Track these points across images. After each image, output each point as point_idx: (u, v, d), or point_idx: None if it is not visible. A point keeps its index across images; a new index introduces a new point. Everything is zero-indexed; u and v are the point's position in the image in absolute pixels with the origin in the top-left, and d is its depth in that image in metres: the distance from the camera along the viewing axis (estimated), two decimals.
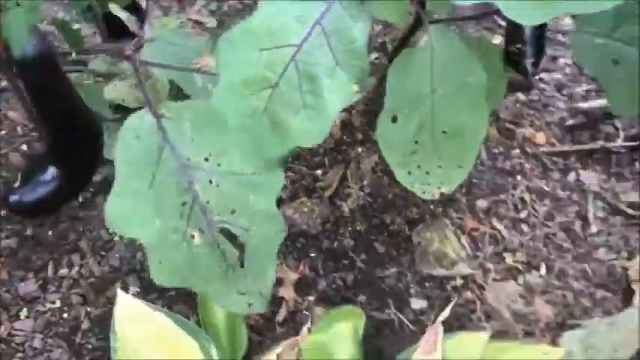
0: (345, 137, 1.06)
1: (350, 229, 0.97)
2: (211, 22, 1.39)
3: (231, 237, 0.54)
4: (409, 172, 0.67)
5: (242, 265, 0.55)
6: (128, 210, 0.53)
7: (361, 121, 1.08)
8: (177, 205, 0.54)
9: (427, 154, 0.66)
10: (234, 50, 0.55)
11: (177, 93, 0.71)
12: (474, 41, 0.82)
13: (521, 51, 0.72)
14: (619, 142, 1.05)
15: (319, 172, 1.03)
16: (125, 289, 0.87)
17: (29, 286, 0.87)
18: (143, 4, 0.89)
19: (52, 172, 0.67)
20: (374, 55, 1.22)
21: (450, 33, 0.64)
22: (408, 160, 0.66)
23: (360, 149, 1.05)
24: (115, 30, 0.83)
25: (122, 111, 0.80)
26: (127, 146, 0.54)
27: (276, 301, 0.87)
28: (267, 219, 0.56)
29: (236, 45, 0.55)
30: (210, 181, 0.54)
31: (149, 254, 0.53)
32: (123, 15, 0.61)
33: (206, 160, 0.54)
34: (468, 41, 0.69)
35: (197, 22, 1.39)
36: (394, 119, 0.65)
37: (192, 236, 0.54)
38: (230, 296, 0.56)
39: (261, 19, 0.54)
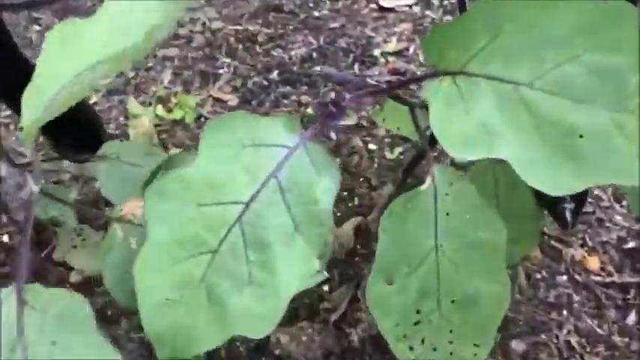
0: (358, 248, 0.92)
1: None
2: (233, 100, 1.30)
3: None
4: (410, 348, 0.52)
5: None
6: None
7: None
8: None
9: (433, 326, 0.51)
10: (166, 203, 0.42)
11: None
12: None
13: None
14: None
15: (325, 288, 0.89)
16: None
17: None
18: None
19: None
20: (398, 150, 1.09)
21: (460, 175, 0.49)
22: (409, 332, 0.51)
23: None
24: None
25: None
26: None
27: None
28: None
29: (169, 197, 0.42)
30: None
31: None
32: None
33: None
34: (484, 176, 0.55)
35: (217, 100, 1.31)
36: (389, 280, 0.51)
37: None
38: None
39: (201, 168, 0.42)
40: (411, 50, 1.46)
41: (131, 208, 0.54)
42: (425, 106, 0.59)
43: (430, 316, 0.51)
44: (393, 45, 1.46)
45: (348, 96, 0.45)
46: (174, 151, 1.13)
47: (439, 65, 0.45)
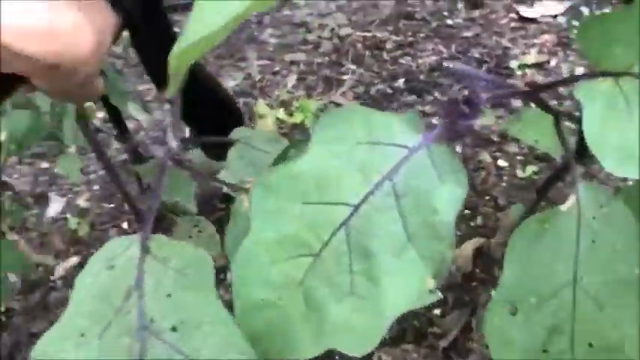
0: (477, 272, 0.84)
1: None
2: None
3: None
4: None
5: None
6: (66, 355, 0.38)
7: (502, 253, 0.85)
8: None
9: None
10: (271, 198, 0.39)
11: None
12: None
13: None
14: None
15: (437, 312, 0.82)
16: None
17: None
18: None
19: None
20: (531, 169, 0.99)
21: (613, 196, 0.41)
22: None
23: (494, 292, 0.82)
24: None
25: None
26: (94, 273, 0.40)
27: None
28: None
29: (275, 192, 0.39)
30: None
31: None
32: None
33: (173, 330, 0.37)
34: None
35: (338, 105, 1.28)
36: (512, 310, 0.44)
37: None
38: None
39: (311, 162, 0.38)
40: (553, 63, 1.34)
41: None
42: (571, 116, 0.51)
43: (562, 357, 0.43)
44: (532, 57, 1.35)
45: (484, 96, 0.39)
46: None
47: (599, 64, 0.38)
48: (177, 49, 0.35)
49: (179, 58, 0.35)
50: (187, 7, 1.60)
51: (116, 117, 0.70)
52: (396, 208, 0.37)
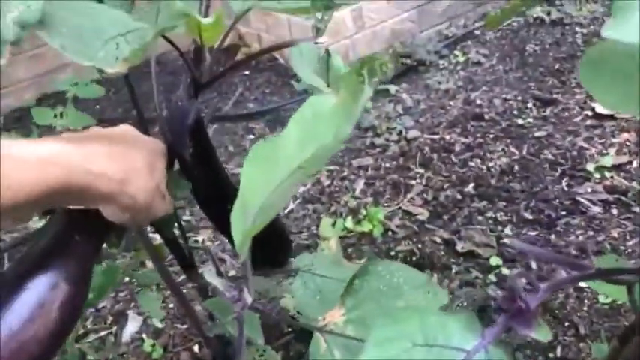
0: None
1: None
2: (423, 215, 1.26)
3: None
4: None
5: None
6: None
7: None
8: None
9: None
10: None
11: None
12: None
13: None
14: None
15: None
16: None
17: None
18: None
19: None
20: None
21: None
22: None
23: None
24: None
25: None
26: None
27: None
28: None
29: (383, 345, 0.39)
30: None
31: None
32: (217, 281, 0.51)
33: None
34: None
35: (407, 213, 1.27)
36: None
37: None
38: None
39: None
40: (635, 164, 1.27)
41: (333, 317, 0.54)
42: None
43: None
44: (610, 158, 1.29)
45: (542, 287, 0.37)
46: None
47: None
48: (237, 232, 0.37)
49: (243, 236, 0.37)
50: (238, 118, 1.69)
51: (176, 250, 0.73)
52: None
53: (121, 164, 0.42)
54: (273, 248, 0.79)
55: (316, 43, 0.59)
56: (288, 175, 0.36)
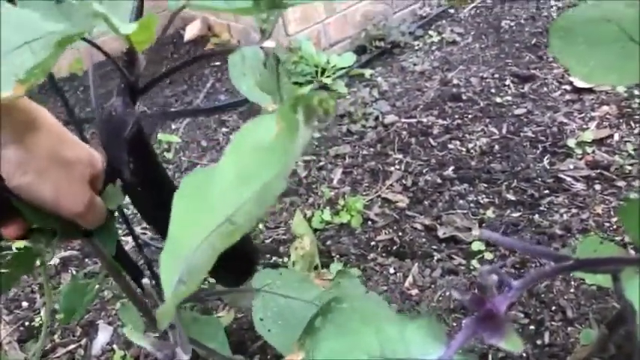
0: None
1: None
2: (403, 201, 1.21)
3: None
4: None
5: None
6: None
7: None
8: None
9: None
10: None
11: None
12: None
13: None
14: None
15: None
16: None
17: None
18: None
19: None
20: None
21: None
22: None
23: None
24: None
25: None
26: None
27: None
28: None
29: None
30: None
31: None
32: (145, 342, 0.45)
33: None
34: None
35: (386, 201, 1.23)
36: None
37: None
38: None
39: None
40: (616, 138, 1.24)
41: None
42: None
43: None
44: (591, 132, 1.25)
45: (515, 285, 0.33)
46: (337, 264, 1.07)
47: None
48: (168, 278, 0.31)
49: (171, 299, 0.31)
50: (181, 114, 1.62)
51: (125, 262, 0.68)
52: None
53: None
54: (237, 263, 0.73)
55: (262, 48, 0.52)
56: (218, 227, 0.30)
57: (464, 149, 1.32)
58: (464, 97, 1.48)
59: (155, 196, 0.51)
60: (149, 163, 0.50)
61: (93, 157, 0.45)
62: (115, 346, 0.96)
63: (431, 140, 1.37)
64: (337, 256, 1.10)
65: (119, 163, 0.47)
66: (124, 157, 0.47)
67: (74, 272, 1.19)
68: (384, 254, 1.09)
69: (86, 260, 1.21)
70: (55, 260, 1.18)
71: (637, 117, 1.27)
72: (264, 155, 0.33)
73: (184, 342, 0.40)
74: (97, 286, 0.56)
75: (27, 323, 1.06)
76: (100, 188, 0.47)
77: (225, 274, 0.72)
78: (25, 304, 1.11)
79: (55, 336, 1.01)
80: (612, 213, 1.05)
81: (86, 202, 0.42)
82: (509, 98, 1.45)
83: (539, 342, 0.81)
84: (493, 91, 1.49)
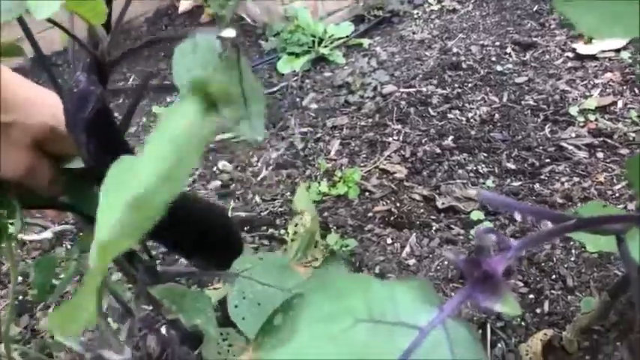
0: None
1: None
2: (401, 172, 1.19)
3: None
4: None
5: None
6: None
7: (577, 348, 0.73)
8: None
9: None
10: None
11: None
12: None
13: None
14: None
15: None
16: None
17: None
18: None
19: None
20: None
21: None
22: None
23: None
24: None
25: None
26: None
27: None
28: None
29: None
30: None
31: None
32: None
33: None
34: None
35: (384, 172, 1.21)
36: None
37: None
38: None
39: (296, 351, 0.31)
40: (620, 105, 1.21)
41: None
42: None
43: None
44: (594, 100, 1.22)
45: (514, 245, 0.31)
46: (333, 235, 1.05)
47: None
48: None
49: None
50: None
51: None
52: None
53: None
54: (219, 248, 0.71)
55: (219, 37, 0.44)
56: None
57: (464, 119, 1.29)
58: (464, 66, 1.45)
59: None
60: (113, 144, 0.46)
61: (42, 120, 0.42)
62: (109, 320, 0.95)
63: (430, 110, 1.34)
64: (334, 227, 1.08)
65: (78, 143, 0.44)
66: (83, 137, 0.43)
67: (69, 247, 1.17)
68: (381, 225, 1.07)
69: (81, 234, 1.19)
70: (49, 234, 1.17)
71: None
72: (173, 146, 0.30)
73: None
74: (74, 262, 0.54)
75: (20, 297, 1.05)
76: (64, 148, 0.44)
77: (206, 262, 0.70)
78: (19, 278, 1.10)
79: (50, 310, 1.00)
80: (615, 181, 1.03)
81: (27, 166, 0.41)
82: (510, 66, 1.41)
83: (538, 310, 0.79)
84: (494, 59, 1.45)
